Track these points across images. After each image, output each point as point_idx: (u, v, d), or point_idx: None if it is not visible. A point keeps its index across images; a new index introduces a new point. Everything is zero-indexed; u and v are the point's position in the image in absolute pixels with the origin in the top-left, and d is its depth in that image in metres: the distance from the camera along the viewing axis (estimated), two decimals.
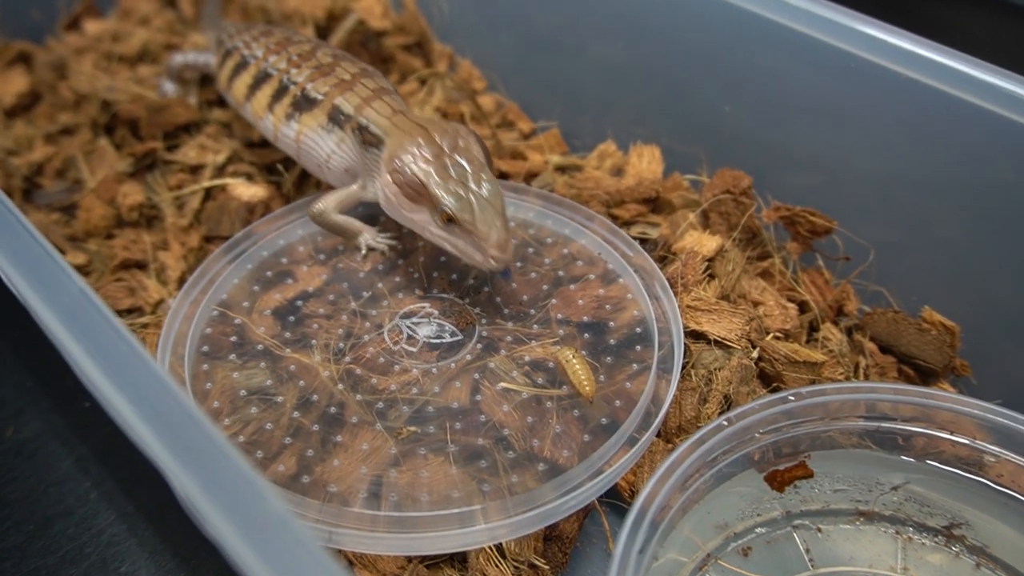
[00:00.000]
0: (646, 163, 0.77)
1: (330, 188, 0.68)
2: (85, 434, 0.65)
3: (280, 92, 0.68)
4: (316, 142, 0.66)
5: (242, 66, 0.72)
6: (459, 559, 0.54)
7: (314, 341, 0.60)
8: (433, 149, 0.58)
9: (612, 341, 0.60)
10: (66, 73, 0.88)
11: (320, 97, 0.65)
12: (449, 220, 0.56)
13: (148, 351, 0.40)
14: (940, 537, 0.53)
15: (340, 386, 0.57)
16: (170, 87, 0.84)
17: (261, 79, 0.69)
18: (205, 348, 0.60)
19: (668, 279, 0.64)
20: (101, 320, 0.40)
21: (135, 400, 0.37)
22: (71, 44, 0.93)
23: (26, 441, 0.65)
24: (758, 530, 0.54)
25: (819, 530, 0.54)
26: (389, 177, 0.59)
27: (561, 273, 0.65)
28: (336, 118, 0.64)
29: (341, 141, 0.64)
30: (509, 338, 0.61)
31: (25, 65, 0.91)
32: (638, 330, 0.61)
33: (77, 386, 0.66)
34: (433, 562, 0.53)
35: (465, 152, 0.58)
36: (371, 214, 0.68)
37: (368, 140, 0.62)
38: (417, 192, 0.57)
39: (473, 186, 0.57)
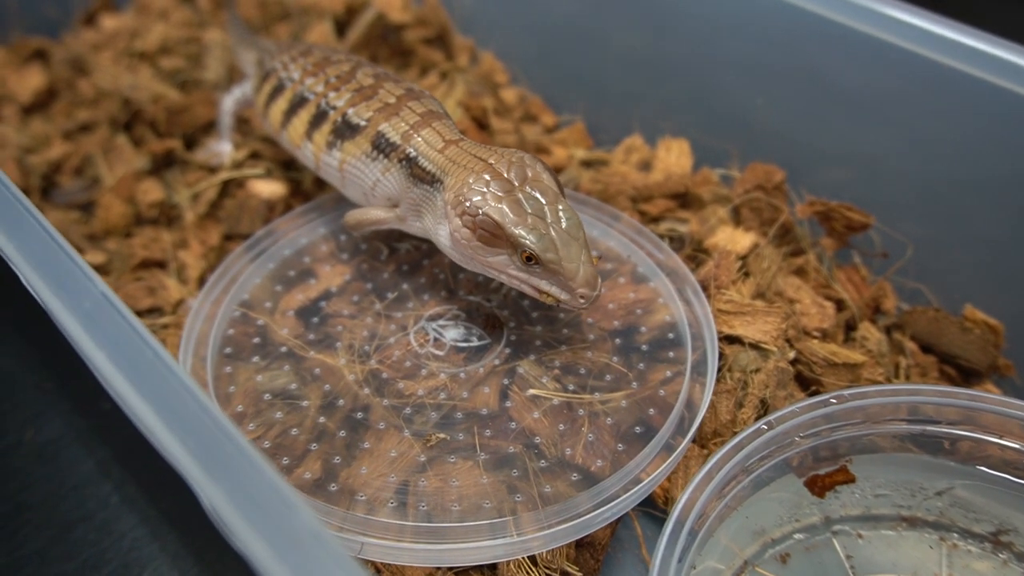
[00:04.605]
0: (674, 157, 0.75)
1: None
2: (106, 436, 0.64)
3: (318, 118, 0.62)
4: (361, 171, 0.61)
5: (279, 90, 0.66)
6: (489, 566, 0.52)
7: (338, 343, 0.59)
8: (502, 184, 0.53)
9: (644, 346, 0.59)
10: (84, 69, 0.87)
11: (363, 123, 0.60)
12: (529, 260, 0.52)
13: (171, 355, 0.39)
14: (987, 544, 0.51)
15: (366, 390, 0.56)
16: (227, 148, 0.77)
17: (297, 103, 0.64)
18: (228, 350, 0.59)
19: (701, 281, 0.62)
20: (124, 326, 0.39)
21: (161, 409, 0.36)
22: (87, 40, 0.92)
23: (46, 444, 0.64)
24: (796, 536, 0.52)
25: (860, 536, 0.52)
26: (459, 221, 0.53)
27: None
28: (381, 146, 0.59)
29: (386, 171, 0.59)
30: (538, 342, 0.59)
31: (42, 62, 0.90)
32: (670, 335, 0.59)
33: (97, 387, 0.65)
34: (462, 569, 0.52)
35: (536, 183, 0.53)
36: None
37: (419, 175, 0.57)
38: (493, 234, 0.52)
39: (551, 220, 0.52)
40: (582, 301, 0.52)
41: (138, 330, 0.38)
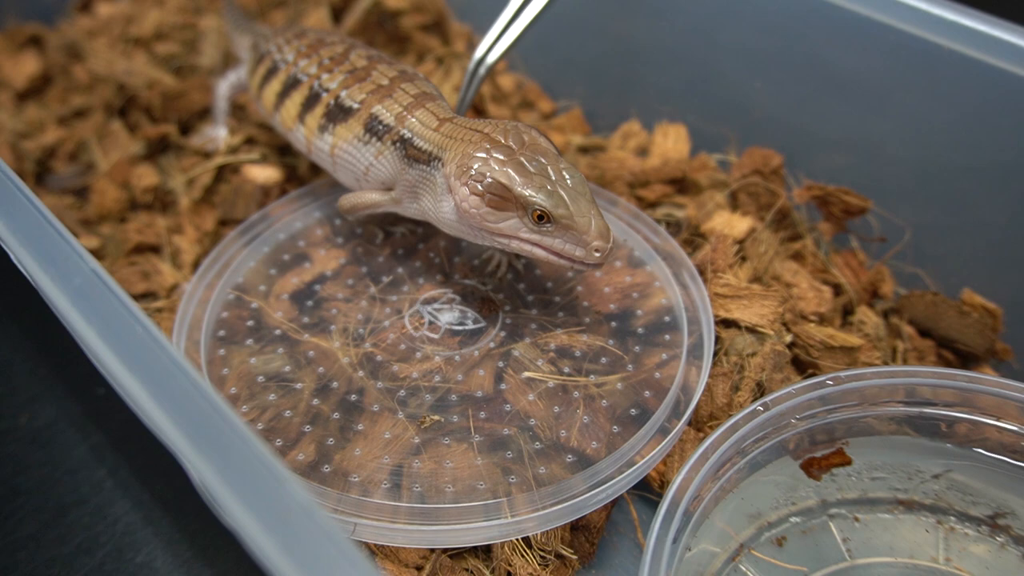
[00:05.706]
0: (672, 142, 0.75)
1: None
2: (100, 421, 0.64)
3: (311, 100, 0.62)
4: (353, 155, 0.60)
5: (272, 72, 0.66)
6: (483, 549, 0.52)
7: (332, 326, 0.59)
8: (503, 150, 0.53)
9: (640, 329, 0.58)
10: (79, 55, 0.87)
11: (356, 105, 0.60)
12: (541, 218, 0.51)
13: (160, 330, 0.38)
14: (984, 527, 0.51)
15: (360, 372, 0.56)
16: (222, 133, 0.77)
17: (291, 85, 0.64)
18: (221, 333, 0.58)
19: (698, 265, 0.62)
20: (114, 302, 0.38)
21: (150, 385, 0.35)
22: (83, 26, 0.91)
23: (40, 429, 0.63)
24: (793, 519, 0.52)
25: (856, 519, 0.52)
26: (466, 190, 0.53)
27: None
28: (374, 129, 0.59)
29: (380, 154, 0.59)
30: (533, 325, 0.59)
31: (36, 47, 0.89)
32: (666, 318, 0.59)
33: (92, 372, 0.65)
34: (457, 552, 0.51)
35: (534, 146, 0.54)
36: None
37: (414, 156, 0.57)
38: (502, 198, 0.52)
39: (556, 179, 0.52)
40: (597, 254, 0.51)
41: (128, 306, 0.38)
